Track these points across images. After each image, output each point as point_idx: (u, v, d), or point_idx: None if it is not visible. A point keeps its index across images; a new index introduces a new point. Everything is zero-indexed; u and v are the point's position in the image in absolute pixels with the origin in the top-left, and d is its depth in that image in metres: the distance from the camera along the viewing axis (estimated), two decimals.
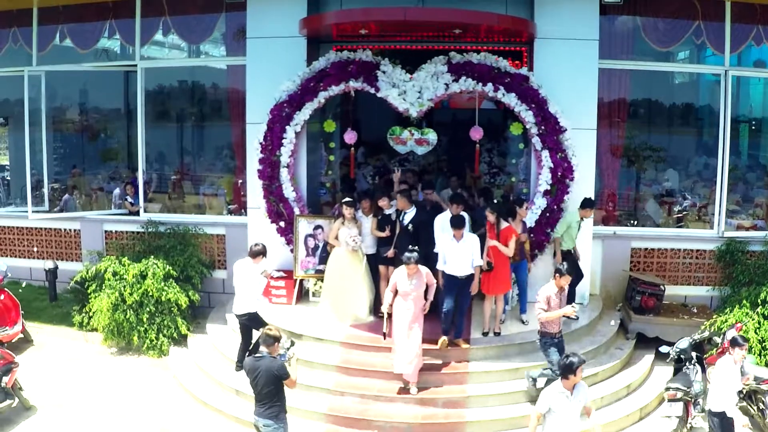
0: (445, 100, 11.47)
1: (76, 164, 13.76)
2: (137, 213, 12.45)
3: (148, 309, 10.49)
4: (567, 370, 6.65)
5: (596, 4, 10.54)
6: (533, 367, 9.06)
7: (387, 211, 10.03)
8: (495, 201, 10.50)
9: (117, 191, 13.06)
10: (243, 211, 11.97)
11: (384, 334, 8.75)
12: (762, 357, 9.25)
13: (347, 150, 11.43)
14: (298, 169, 11.01)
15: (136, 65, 12.28)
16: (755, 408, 8.60)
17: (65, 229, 12.73)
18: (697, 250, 11.31)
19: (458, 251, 9.01)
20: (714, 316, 10.14)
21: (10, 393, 8.60)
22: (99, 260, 11.29)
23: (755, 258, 10.95)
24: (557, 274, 8.33)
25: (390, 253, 9.89)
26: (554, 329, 8.33)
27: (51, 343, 10.96)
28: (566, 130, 10.23)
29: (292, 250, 10.82)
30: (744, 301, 10.00)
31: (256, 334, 9.29)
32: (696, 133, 13.14)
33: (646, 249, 11.34)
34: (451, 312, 9.10)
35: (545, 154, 10.23)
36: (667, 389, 8.50)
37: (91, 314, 10.88)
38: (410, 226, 9.80)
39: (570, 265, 10.06)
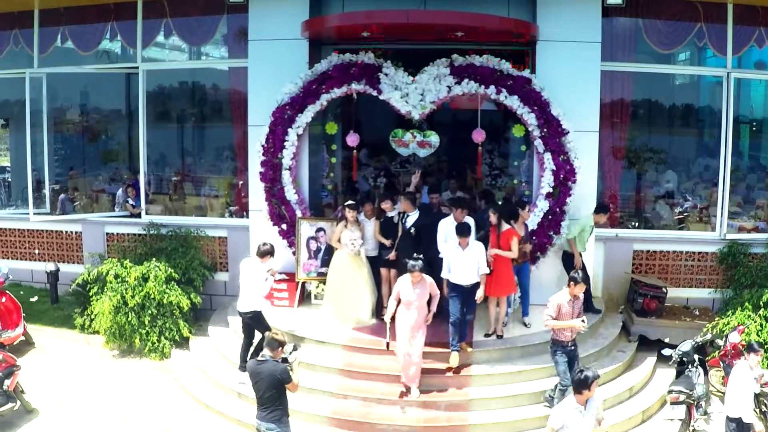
0: (447, 101, 11.47)
1: (73, 166, 13.72)
2: (138, 215, 12.44)
3: (149, 311, 10.48)
4: (581, 385, 6.59)
5: (598, 6, 10.55)
6: (536, 370, 9.10)
7: (389, 214, 10.02)
8: (499, 203, 10.47)
9: (120, 192, 13.04)
10: (244, 213, 11.96)
11: (387, 344, 8.66)
12: (764, 360, 9.22)
13: (349, 152, 11.41)
14: (300, 171, 11.00)
15: (137, 67, 12.26)
16: (757, 411, 8.56)
17: (66, 232, 12.72)
18: (699, 253, 11.31)
19: (464, 260, 8.91)
20: (716, 319, 10.15)
21: (12, 396, 8.60)
22: (101, 263, 11.28)
23: (757, 260, 10.95)
24: (572, 282, 8.14)
25: (391, 255, 9.88)
26: (566, 338, 8.19)
27: (52, 346, 10.95)
28: (568, 132, 10.22)
29: (294, 253, 10.81)
30: (746, 304, 10.00)
31: (256, 336, 9.38)
32: (697, 134, 13.12)
33: (648, 251, 11.33)
34: (458, 322, 8.98)
35: (547, 156, 10.22)
36: (670, 392, 8.52)
37: (92, 317, 10.88)
38: (412, 229, 9.78)
39: (582, 269, 10.13)
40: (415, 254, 8.68)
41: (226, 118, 12.67)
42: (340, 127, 11.59)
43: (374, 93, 10.29)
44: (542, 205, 10.30)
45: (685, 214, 12.09)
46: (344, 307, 9.98)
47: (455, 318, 8.94)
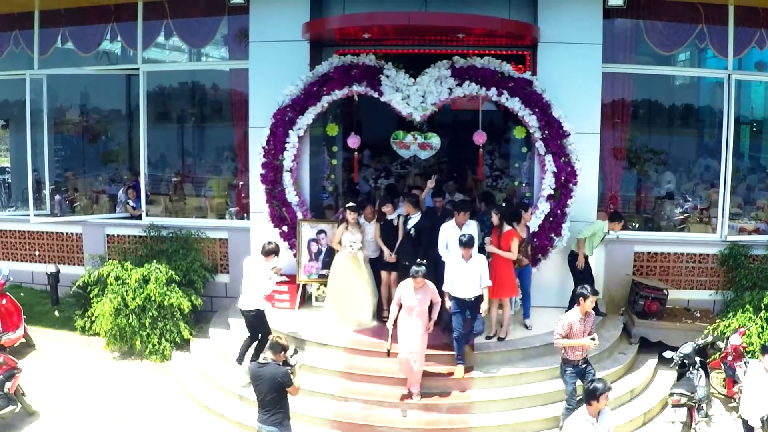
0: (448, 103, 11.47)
1: (68, 167, 13.67)
2: (139, 217, 12.43)
3: (150, 313, 10.47)
4: (590, 395, 6.58)
5: (600, 8, 10.54)
6: (537, 372, 9.11)
7: (389, 217, 10.01)
8: (503, 205, 10.46)
9: (121, 193, 13.03)
10: (245, 214, 11.95)
11: (387, 351, 8.62)
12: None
13: (350, 153, 11.40)
14: (301, 173, 10.99)
15: (138, 69, 12.24)
16: None
17: (67, 233, 12.69)
18: (700, 254, 11.30)
19: (466, 272, 8.76)
20: (717, 321, 10.14)
21: (12, 399, 8.57)
22: (101, 264, 11.27)
23: (758, 262, 10.94)
24: (581, 298, 7.95)
25: (392, 258, 9.88)
26: (576, 356, 7.98)
27: (53, 348, 10.93)
28: (570, 134, 10.23)
29: (295, 255, 10.80)
30: (747, 306, 9.99)
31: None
32: (697, 135, 13.14)
33: (649, 253, 11.32)
34: (462, 337, 8.83)
35: (549, 158, 10.23)
36: (671, 394, 8.51)
37: (93, 318, 10.86)
38: (412, 231, 9.77)
39: (585, 270, 10.06)
40: (418, 260, 8.64)
41: (226, 119, 12.64)
42: (340, 128, 11.59)
43: (375, 95, 10.27)
44: (543, 207, 10.29)
45: (686, 215, 12.10)
46: (345, 310, 9.97)
47: (459, 333, 8.80)
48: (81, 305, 11.37)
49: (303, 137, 10.70)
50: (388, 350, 8.63)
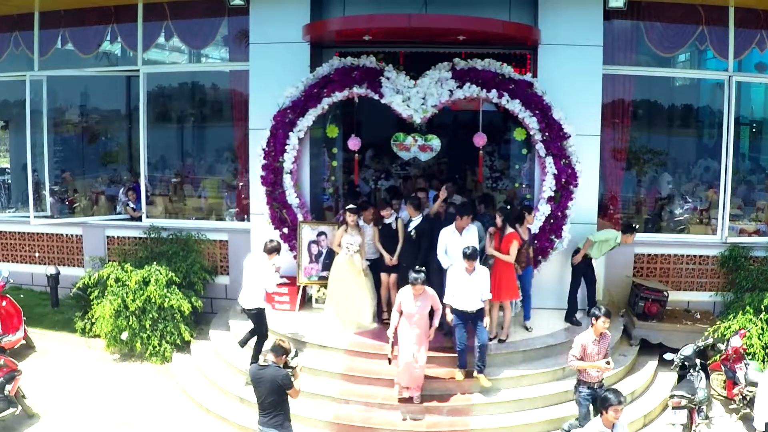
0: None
1: (64, 168, 13.62)
2: (139, 218, 12.42)
3: (150, 315, 10.46)
4: (601, 404, 6.56)
5: (600, 9, 10.53)
6: (537, 374, 9.14)
7: (387, 221, 10.00)
8: (508, 207, 10.46)
9: (121, 195, 13.02)
10: (245, 216, 11.95)
11: (389, 359, 8.58)
12: (765, 363, 9.23)
13: (350, 155, 11.38)
14: (301, 175, 10.98)
15: (138, 70, 12.23)
16: None
17: (67, 235, 12.69)
18: (700, 256, 11.32)
19: (469, 285, 8.63)
20: (717, 323, 10.14)
21: (13, 401, 8.57)
22: (101, 266, 11.27)
23: (758, 263, 10.95)
24: (593, 319, 7.73)
25: (394, 260, 9.87)
26: (591, 378, 7.70)
27: (53, 350, 10.92)
28: (570, 136, 10.22)
29: (295, 257, 10.80)
30: (747, 307, 9.99)
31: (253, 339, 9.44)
32: (697, 135, 13.15)
33: (649, 255, 11.34)
34: (465, 350, 8.71)
35: (549, 160, 10.22)
36: (672, 396, 8.50)
37: (93, 320, 10.85)
38: (413, 233, 9.76)
39: (590, 272, 10.17)
40: (417, 266, 8.58)
41: (226, 120, 12.63)
42: (341, 130, 11.57)
43: (376, 97, 10.25)
44: (544, 209, 10.29)
45: (686, 216, 12.11)
46: (345, 312, 9.96)
47: (462, 347, 8.69)
48: (81, 307, 11.37)
49: (303, 139, 10.69)
50: (390, 358, 8.58)
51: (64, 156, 13.56)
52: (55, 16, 12.50)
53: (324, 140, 11.63)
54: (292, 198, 10.68)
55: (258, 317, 9.32)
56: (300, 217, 10.72)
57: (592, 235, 10.27)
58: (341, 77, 10.36)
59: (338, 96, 10.39)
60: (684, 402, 8.34)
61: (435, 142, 10.67)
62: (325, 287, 10.39)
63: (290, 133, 10.53)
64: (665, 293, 10.61)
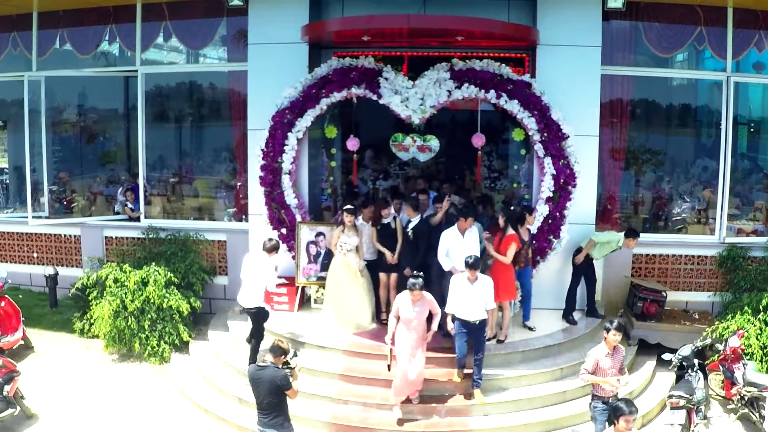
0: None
1: (66, 168, 13.60)
2: (137, 219, 12.42)
3: (149, 316, 10.45)
4: (613, 412, 6.53)
5: (599, 10, 10.53)
6: (536, 374, 9.15)
7: (385, 220, 10.01)
8: (512, 208, 10.47)
9: (119, 195, 13.01)
10: (243, 216, 11.94)
11: (388, 366, 8.54)
12: (763, 363, 9.24)
13: (348, 155, 11.37)
14: (300, 175, 10.99)
15: (136, 70, 12.23)
16: (757, 415, 8.60)
17: (65, 235, 12.69)
18: (699, 256, 11.34)
19: (471, 294, 8.48)
20: (716, 323, 10.15)
21: (12, 402, 8.56)
22: (100, 267, 11.26)
23: (756, 264, 10.96)
24: (604, 332, 7.54)
25: (394, 259, 9.87)
26: (605, 393, 7.49)
27: (52, 350, 10.91)
28: (569, 136, 10.23)
29: (294, 257, 10.80)
30: (746, 308, 9.99)
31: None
32: (694, 135, 13.16)
33: (647, 255, 11.34)
34: (465, 358, 8.65)
35: (548, 161, 10.23)
36: (670, 397, 8.50)
37: (92, 321, 10.84)
38: (411, 234, 9.76)
39: (590, 272, 10.28)
40: (415, 272, 8.52)
41: (224, 120, 12.62)
42: (339, 130, 11.58)
43: (374, 97, 10.26)
44: (542, 210, 10.30)
45: (684, 215, 12.12)
46: (344, 312, 9.97)
47: (462, 356, 8.63)
48: (80, 307, 11.36)
49: (302, 139, 10.70)
50: (389, 365, 8.54)
51: (62, 156, 13.53)
52: (54, 16, 12.49)
53: (322, 141, 11.64)
54: (290, 198, 10.68)
55: (258, 316, 9.34)
56: (298, 218, 10.73)
57: (595, 236, 10.28)
58: (340, 78, 10.37)
59: (337, 96, 10.40)
60: (682, 402, 8.34)
61: (434, 143, 10.68)
62: (324, 288, 10.39)
63: (289, 134, 10.53)
64: (663, 293, 10.62)
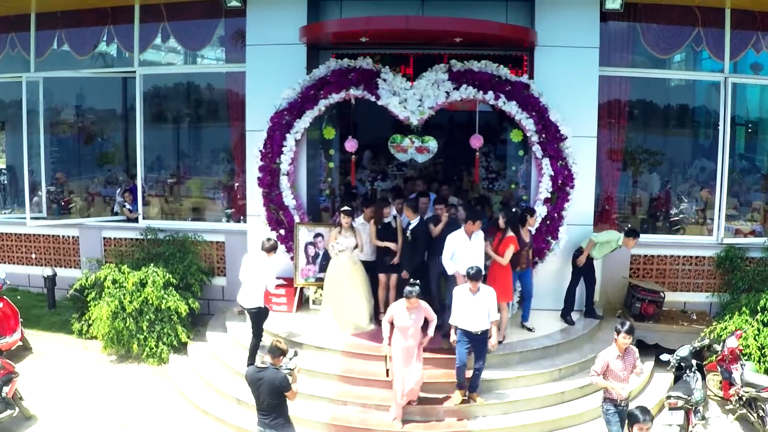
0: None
1: (64, 169, 13.62)
2: (136, 220, 12.41)
3: (147, 317, 10.45)
4: (628, 420, 6.53)
5: (597, 11, 10.53)
6: (534, 375, 9.14)
7: (386, 220, 10.01)
8: (513, 210, 10.48)
9: (118, 196, 13.00)
10: (241, 217, 11.94)
11: (387, 371, 8.51)
12: (761, 364, 9.25)
13: (347, 156, 11.35)
14: (298, 176, 10.99)
15: (134, 71, 12.23)
16: (755, 415, 8.62)
17: (63, 236, 12.69)
18: (697, 257, 11.36)
19: (474, 305, 8.34)
20: (713, 323, 10.17)
21: (10, 403, 8.55)
22: (98, 268, 11.26)
23: (754, 264, 10.98)
24: (615, 334, 7.41)
25: (396, 259, 9.89)
26: (617, 396, 7.38)
27: (50, 351, 10.91)
28: (567, 137, 10.24)
29: (292, 258, 10.80)
30: (743, 308, 10.01)
31: (250, 337, 9.49)
32: (692, 136, 13.19)
33: (645, 256, 11.36)
34: (465, 368, 8.53)
35: (546, 162, 10.24)
36: (668, 397, 8.51)
37: (90, 322, 10.84)
38: (409, 235, 9.76)
39: (590, 273, 10.31)
40: (412, 279, 8.46)
41: (223, 121, 12.62)
42: (337, 131, 11.59)
43: (372, 98, 10.26)
44: (540, 211, 10.30)
45: (682, 216, 12.14)
46: (342, 313, 9.98)
47: (461, 363, 8.49)
48: (78, 308, 11.36)
49: (300, 140, 10.69)
50: (388, 370, 8.51)
51: (60, 157, 13.56)
52: (52, 17, 12.49)
53: (321, 142, 11.65)
54: (288, 199, 10.68)
55: (258, 316, 9.35)
56: (297, 219, 10.73)
57: (594, 236, 10.30)
58: (338, 79, 10.37)
59: (335, 97, 10.40)
60: (680, 403, 8.36)
61: (432, 144, 10.69)
62: (322, 288, 10.39)
63: (287, 135, 10.53)
64: (662, 294, 10.65)
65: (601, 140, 11.07)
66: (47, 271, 12.10)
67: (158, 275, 10.69)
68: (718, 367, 9.33)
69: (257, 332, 9.42)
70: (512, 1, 10.85)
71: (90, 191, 13.79)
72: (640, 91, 11.90)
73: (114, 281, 10.69)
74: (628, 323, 7.44)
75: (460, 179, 13.78)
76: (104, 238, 12.40)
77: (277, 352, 7.04)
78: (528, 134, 10.30)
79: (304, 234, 10.75)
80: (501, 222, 9.50)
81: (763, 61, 11.71)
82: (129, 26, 12.14)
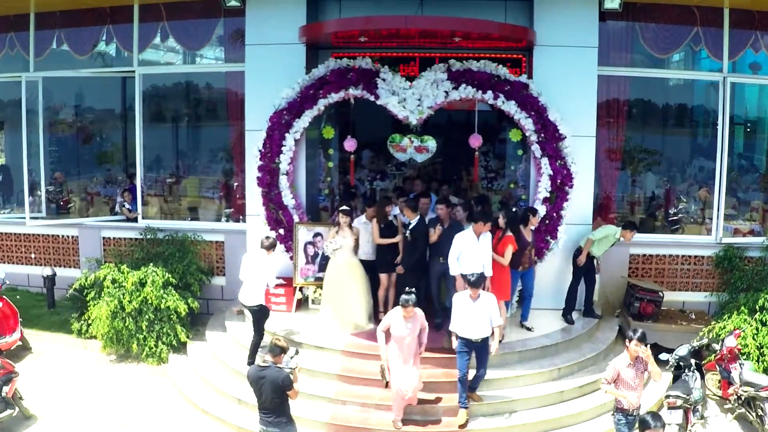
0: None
1: (63, 168, 13.64)
2: (135, 219, 12.42)
3: (147, 316, 10.45)
4: (639, 426, 6.50)
5: (595, 11, 10.54)
6: (533, 375, 9.15)
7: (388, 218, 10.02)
8: (514, 210, 10.49)
9: (117, 196, 13.00)
10: (241, 216, 11.95)
11: (387, 383, 8.40)
12: (760, 363, 9.27)
13: (346, 155, 11.37)
14: (298, 176, 11.00)
15: (134, 71, 12.23)
16: (754, 414, 8.64)
17: (63, 236, 12.68)
18: (695, 256, 11.37)
19: (474, 312, 8.23)
20: (712, 323, 10.18)
21: (10, 403, 8.56)
22: (98, 268, 11.26)
23: (753, 264, 10.99)
24: (627, 341, 7.24)
25: (398, 259, 9.91)
26: (629, 406, 7.21)
27: (50, 351, 10.91)
28: (566, 137, 10.25)
29: (291, 258, 10.81)
30: (742, 308, 10.02)
31: (249, 336, 9.51)
32: (691, 135, 13.19)
33: (644, 255, 11.38)
34: (465, 378, 8.38)
35: (545, 161, 10.25)
36: (667, 396, 8.52)
37: (90, 322, 10.84)
38: (408, 235, 9.76)
39: (591, 272, 10.29)
40: (407, 288, 8.34)
41: (222, 120, 12.63)
42: (336, 131, 11.60)
43: (372, 98, 10.26)
44: (539, 210, 10.30)
45: (680, 215, 12.16)
46: (341, 312, 9.98)
47: (462, 375, 8.34)
48: (77, 308, 11.36)
49: (299, 140, 10.70)
50: (387, 382, 8.40)
51: (59, 156, 13.57)
52: (51, 17, 12.49)
53: (320, 141, 11.66)
54: (288, 199, 10.68)
55: (259, 314, 9.37)
56: (296, 218, 10.73)
57: (592, 234, 10.31)
58: (337, 78, 10.38)
59: (334, 97, 10.41)
60: (679, 402, 8.37)
61: (431, 143, 10.71)
62: (321, 288, 10.40)
63: (286, 135, 10.54)
64: (660, 293, 10.66)
65: (600, 140, 11.07)
66: (47, 271, 12.11)
67: (158, 275, 10.69)
68: (717, 367, 9.35)
69: (259, 330, 9.43)
70: (511, 1, 10.85)
71: (89, 191, 13.79)
72: (638, 90, 11.91)
73: (113, 281, 10.70)
74: (640, 330, 7.26)
75: (459, 179, 13.77)
76: (103, 238, 12.41)
77: (278, 350, 7.05)
78: (527, 134, 10.31)
79: (304, 233, 10.75)
80: (501, 221, 9.51)
81: (762, 60, 11.71)
82: (128, 26, 12.15)
